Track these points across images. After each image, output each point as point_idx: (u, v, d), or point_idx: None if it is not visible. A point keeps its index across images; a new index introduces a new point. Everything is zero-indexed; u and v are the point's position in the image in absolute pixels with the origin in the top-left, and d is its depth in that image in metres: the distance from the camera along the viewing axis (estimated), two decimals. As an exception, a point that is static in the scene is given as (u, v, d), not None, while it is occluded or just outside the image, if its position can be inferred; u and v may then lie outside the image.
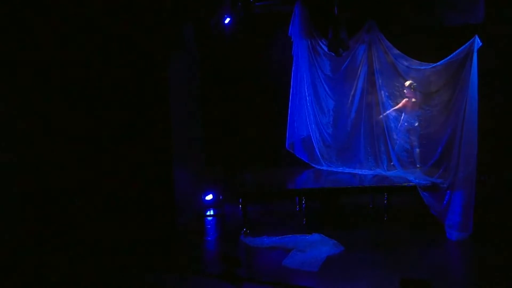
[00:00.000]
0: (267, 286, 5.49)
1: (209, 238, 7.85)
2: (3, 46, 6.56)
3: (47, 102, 7.11)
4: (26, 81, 6.88)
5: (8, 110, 6.64)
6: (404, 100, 8.18)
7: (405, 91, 8.18)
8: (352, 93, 8.68)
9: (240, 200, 7.40)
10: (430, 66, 7.90)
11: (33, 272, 5.97)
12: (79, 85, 7.33)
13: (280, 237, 7.00)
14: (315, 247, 6.58)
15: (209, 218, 8.89)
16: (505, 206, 8.06)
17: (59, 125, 7.22)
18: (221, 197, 9.31)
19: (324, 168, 8.70)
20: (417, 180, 7.41)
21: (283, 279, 5.68)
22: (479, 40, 6.66)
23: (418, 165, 8.24)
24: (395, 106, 8.34)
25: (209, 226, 8.50)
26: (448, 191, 7.01)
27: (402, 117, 8.32)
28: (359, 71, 8.56)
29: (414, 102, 8.16)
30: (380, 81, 8.37)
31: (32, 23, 6.87)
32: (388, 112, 8.27)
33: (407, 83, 8.12)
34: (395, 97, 8.34)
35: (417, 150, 8.28)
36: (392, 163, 8.23)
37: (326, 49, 8.51)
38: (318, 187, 7.97)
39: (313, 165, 8.84)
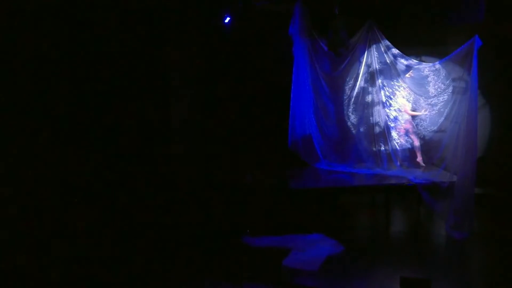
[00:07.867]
0: (267, 286, 5.49)
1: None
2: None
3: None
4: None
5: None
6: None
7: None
8: (352, 92, 8.69)
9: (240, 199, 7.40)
10: (430, 66, 7.92)
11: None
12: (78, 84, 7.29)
13: (280, 236, 6.99)
14: (315, 247, 6.57)
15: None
16: (505, 205, 8.08)
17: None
18: (220, 196, 9.29)
19: (325, 167, 8.70)
20: (417, 180, 7.41)
21: (283, 279, 5.68)
22: (479, 40, 6.66)
23: (418, 165, 8.26)
24: (394, 106, 8.37)
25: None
26: (449, 191, 7.01)
27: (402, 117, 8.32)
28: (359, 70, 8.57)
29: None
30: (380, 80, 8.38)
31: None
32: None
33: None
34: (395, 97, 8.36)
35: (417, 149, 8.29)
36: (392, 163, 8.23)
37: (326, 48, 8.52)
38: (318, 186, 7.97)
39: (314, 165, 8.84)
